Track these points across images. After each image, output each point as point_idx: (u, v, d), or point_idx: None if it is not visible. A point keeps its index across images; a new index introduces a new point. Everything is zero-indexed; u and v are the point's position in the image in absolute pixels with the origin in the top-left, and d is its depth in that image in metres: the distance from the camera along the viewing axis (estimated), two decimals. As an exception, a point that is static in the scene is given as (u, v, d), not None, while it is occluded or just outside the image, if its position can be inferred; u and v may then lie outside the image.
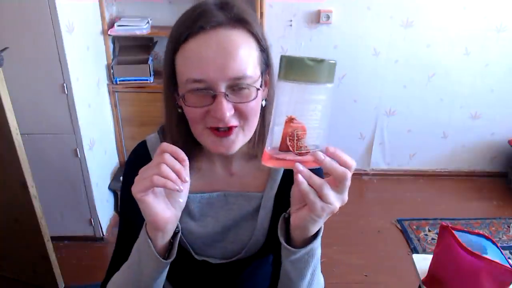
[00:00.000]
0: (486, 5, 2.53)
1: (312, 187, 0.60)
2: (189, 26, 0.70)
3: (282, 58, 0.57)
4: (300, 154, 0.59)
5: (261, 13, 2.38)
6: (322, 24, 2.58)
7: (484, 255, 1.20)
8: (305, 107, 0.58)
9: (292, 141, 0.58)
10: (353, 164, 0.60)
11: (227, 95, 0.70)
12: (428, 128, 2.92)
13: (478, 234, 1.30)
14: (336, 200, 0.61)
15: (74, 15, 1.95)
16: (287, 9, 2.54)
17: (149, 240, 0.68)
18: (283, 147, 0.58)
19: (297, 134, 0.58)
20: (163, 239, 0.69)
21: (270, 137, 0.60)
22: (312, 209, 0.61)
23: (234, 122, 0.72)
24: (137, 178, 0.64)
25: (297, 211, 0.65)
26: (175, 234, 0.73)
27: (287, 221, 0.71)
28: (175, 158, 0.64)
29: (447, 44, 2.64)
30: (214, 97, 0.70)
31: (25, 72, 1.89)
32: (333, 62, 0.58)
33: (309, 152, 0.59)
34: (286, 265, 0.71)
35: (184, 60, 0.71)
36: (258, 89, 0.72)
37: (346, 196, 0.62)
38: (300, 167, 0.59)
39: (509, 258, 1.28)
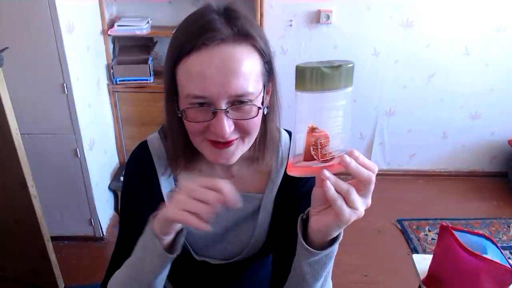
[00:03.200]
0: (486, 5, 2.53)
1: (339, 193, 0.59)
2: (191, 40, 0.68)
3: (298, 68, 0.56)
4: (325, 162, 0.58)
5: (261, 14, 2.38)
6: (322, 24, 2.58)
7: (484, 255, 1.20)
8: (325, 114, 0.57)
9: (316, 150, 0.57)
10: (376, 168, 0.60)
11: (227, 111, 0.69)
12: (428, 128, 2.92)
13: (478, 234, 1.30)
14: (361, 205, 0.61)
15: (74, 15, 1.95)
16: (287, 9, 2.54)
17: (156, 239, 0.68)
18: (307, 157, 0.58)
19: (320, 142, 0.57)
20: (169, 238, 0.70)
21: (294, 146, 0.59)
22: (340, 215, 0.60)
23: (234, 136, 0.73)
24: (176, 203, 0.64)
25: (319, 214, 0.65)
26: (180, 230, 0.73)
27: (304, 221, 0.70)
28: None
29: (447, 44, 2.64)
30: (215, 113, 0.69)
31: (25, 72, 1.89)
32: (351, 65, 0.57)
33: (334, 158, 0.58)
34: (304, 266, 0.70)
35: (185, 75, 0.70)
36: (259, 108, 0.72)
37: (369, 200, 0.62)
38: (327, 173, 0.58)
39: (509, 258, 1.28)
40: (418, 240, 2.43)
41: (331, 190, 0.59)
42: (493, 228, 2.53)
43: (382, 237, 2.47)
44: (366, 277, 2.19)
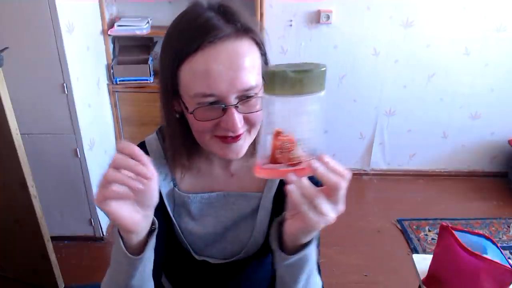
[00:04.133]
0: (486, 5, 2.53)
1: (306, 197, 0.58)
2: (194, 40, 0.68)
3: (266, 71, 0.55)
4: (292, 165, 0.57)
5: (261, 13, 2.38)
6: (322, 24, 2.58)
7: (484, 255, 1.20)
8: (293, 119, 0.56)
9: (281, 153, 0.56)
10: (347, 174, 0.58)
11: (237, 106, 0.70)
12: (428, 128, 2.92)
13: (478, 234, 1.30)
14: (330, 211, 0.59)
15: (74, 15, 1.95)
16: (287, 9, 2.54)
17: (120, 240, 0.67)
18: (274, 160, 0.57)
19: (285, 147, 0.56)
20: (137, 238, 0.67)
21: (261, 149, 0.58)
22: (306, 220, 0.59)
23: (243, 129, 0.73)
24: (98, 186, 0.60)
25: (292, 218, 0.65)
26: (152, 230, 0.70)
27: (281, 225, 0.70)
28: (133, 158, 0.60)
29: (447, 44, 2.64)
30: (225, 109, 0.69)
31: (25, 72, 1.89)
32: (322, 70, 0.55)
33: (302, 162, 0.57)
34: (280, 269, 0.71)
35: (191, 75, 0.69)
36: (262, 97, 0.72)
37: (341, 206, 0.60)
38: (293, 176, 0.57)
39: (509, 258, 1.28)
40: (418, 240, 2.43)
41: (295, 194, 0.57)
42: (493, 228, 2.53)
43: (382, 237, 2.47)
44: (366, 277, 2.19)
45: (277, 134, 0.56)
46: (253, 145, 0.82)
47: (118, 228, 0.67)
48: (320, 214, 0.58)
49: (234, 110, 0.69)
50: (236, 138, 0.73)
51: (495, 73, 2.73)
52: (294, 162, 0.57)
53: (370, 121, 2.90)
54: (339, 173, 0.58)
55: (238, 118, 0.70)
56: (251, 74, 0.69)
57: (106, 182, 0.59)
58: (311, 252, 0.68)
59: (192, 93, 0.70)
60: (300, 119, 0.56)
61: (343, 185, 0.57)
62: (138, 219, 0.64)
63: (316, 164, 0.56)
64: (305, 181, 0.58)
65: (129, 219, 0.63)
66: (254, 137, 0.78)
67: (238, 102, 0.70)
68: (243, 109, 0.71)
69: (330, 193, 0.58)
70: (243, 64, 0.68)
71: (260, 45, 0.73)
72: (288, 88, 0.54)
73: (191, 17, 0.71)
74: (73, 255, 2.28)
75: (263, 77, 0.56)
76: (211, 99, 0.69)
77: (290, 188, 0.57)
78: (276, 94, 0.54)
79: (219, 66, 0.67)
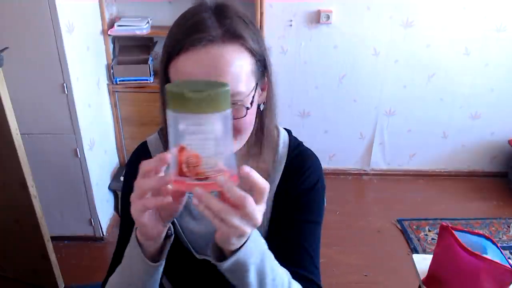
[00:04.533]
0: (486, 5, 2.53)
1: (213, 212, 0.57)
2: (181, 40, 0.68)
3: (166, 88, 0.55)
4: (200, 180, 0.57)
5: (261, 13, 2.38)
6: (322, 24, 2.58)
7: (484, 255, 1.21)
8: (193, 136, 0.56)
9: (187, 168, 0.56)
10: (265, 187, 0.58)
11: None
12: (428, 128, 2.92)
13: (478, 234, 1.30)
14: (242, 224, 0.57)
15: (74, 15, 1.95)
16: (287, 9, 2.54)
17: (139, 248, 0.68)
18: (181, 174, 0.57)
19: (191, 161, 0.56)
20: (155, 245, 0.69)
21: (173, 161, 0.57)
22: (219, 232, 0.59)
23: None
24: (133, 198, 0.61)
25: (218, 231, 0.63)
26: (168, 236, 0.71)
27: None
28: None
29: (447, 44, 2.64)
30: None
31: (25, 72, 1.89)
32: (224, 90, 0.55)
33: (209, 177, 0.57)
34: (225, 274, 0.69)
35: (176, 74, 0.70)
36: (248, 108, 0.70)
37: (256, 220, 0.58)
38: (198, 190, 0.57)
39: (509, 258, 1.28)
40: (418, 240, 2.43)
41: (200, 208, 0.57)
42: (493, 228, 2.53)
43: (382, 237, 2.47)
44: (366, 277, 2.19)
45: (181, 149, 0.56)
46: (251, 146, 0.82)
47: (138, 235, 0.68)
48: (230, 227, 0.57)
49: None
50: None
51: (495, 73, 2.73)
52: (202, 177, 0.57)
53: (370, 121, 2.90)
54: (255, 185, 0.58)
55: None
56: (234, 82, 0.68)
57: (141, 201, 0.60)
58: (247, 258, 0.65)
59: None
60: (201, 137, 0.56)
61: (248, 201, 0.56)
62: (162, 228, 0.66)
63: (222, 182, 0.56)
64: (211, 195, 0.57)
65: (155, 228, 0.65)
66: (242, 143, 0.77)
67: None
68: None
69: (239, 207, 0.57)
70: (226, 70, 0.67)
71: (252, 52, 0.71)
72: (184, 106, 0.54)
73: (187, 16, 0.72)
74: (73, 255, 2.28)
75: (164, 93, 0.57)
76: None
77: (194, 202, 0.57)
78: (175, 111, 0.54)
79: (199, 70, 0.67)
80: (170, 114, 0.55)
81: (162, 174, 0.59)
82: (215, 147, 0.57)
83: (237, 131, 0.73)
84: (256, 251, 0.66)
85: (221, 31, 0.68)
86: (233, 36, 0.69)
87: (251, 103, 0.72)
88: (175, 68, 0.70)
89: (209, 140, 0.56)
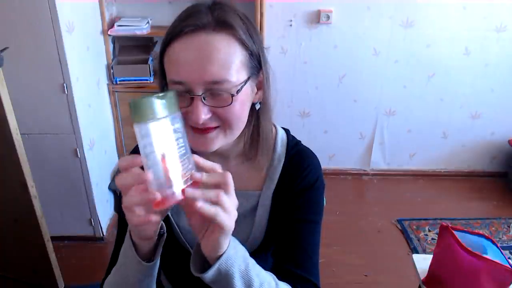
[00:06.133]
0: (486, 5, 2.53)
1: (211, 200, 0.59)
2: (176, 27, 0.71)
3: (130, 104, 0.58)
4: (186, 182, 0.60)
5: (261, 13, 2.38)
6: (322, 24, 2.58)
7: (484, 255, 1.20)
8: (168, 141, 0.59)
9: (174, 174, 0.59)
10: (217, 166, 0.63)
11: (204, 98, 0.70)
12: (428, 128, 2.92)
13: (478, 234, 1.30)
14: (230, 204, 0.61)
15: (74, 15, 1.95)
16: (287, 9, 2.54)
17: (133, 247, 0.68)
18: (169, 184, 0.58)
19: (175, 167, 0.59)
20: (149, 244, 0.69)
21: (153, 178, 0.57)
22: (221, 225, 0.60)
23: (212, 124, 0.73)
24: (124, 205, 0.61)
25: (205, 237, 0.64)
26: (161, 235, 0.72)
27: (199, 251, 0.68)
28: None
29: (447, 44, 2.64)
30: (192, 99, 0.70)
31: (25, 72, 1.89)
32: (140, 100, 0.56)
33: (188, 177, 0.60)
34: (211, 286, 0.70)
35: (168, 62, 0.72)
36: (233, 95, 0.71)
37: (235, 199, 0.63)
38: (191, 191, 0.58)
39: (509, 258, 1.28)
40: (418, 240, 2.43)
41: (205, 207, 0.58)
42: (493, 228, 2.53)
43: (382, 237, 2.47)
44: (366, 277, 2.19)
45: (163, 157, 0.58)
46: (248, 145, 0.82)
47: (132, 236, 0.68)
48: (225, 210, 0.60)
49: (199, 102, 0.69)
50: (205, 130, 0.73)
51: (495, 73, 2.73)
52: (185, 179, 0.60)
53: (370, 121, 2.90)
54: (212, 168, 0.62)
55: (202, 110, 0.69)
56: (222, 69, 0.69)
57: (129, 203, 0.60)
58: (228, 263, 0.65)
59: (168, 80, 0.72)
60: (173, 138, 0.60)
61: (227, 175, 0.61)
62: (155, 228, 0.67)
63: (199, 175, 0.60)
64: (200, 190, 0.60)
65: (149, 228, 0.65)
66: (232, 137, 0.77)
67: (202, 94, 0.69)
68: (212, 102, 0.71)
69: (221, 186, 0.61)
70: (213, 56, 0.68)
71: (244, 43, 0.72)
72: (141, 117, 0.57)
73: (186, 9, 0.74)
74: (73, 255, 2.28)
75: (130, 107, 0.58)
76: (181, 88, 0.70)
77: (197, 204, 0.58)
78: (140, 123, 0.57)
79: (188, 55, 0.69)
80: (136, 126, 0.57)
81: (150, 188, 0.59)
82: (185, 145, 0.62)
83: (225, 121, 0.73)
84: (238, 258, 0.67)
85: (212, 19, 0.70)
86: (223, 24, 0.70)
87: (237, 92, 0.72)
88: (168, 56, 0.72)
89: (179, 139, 0.61)
